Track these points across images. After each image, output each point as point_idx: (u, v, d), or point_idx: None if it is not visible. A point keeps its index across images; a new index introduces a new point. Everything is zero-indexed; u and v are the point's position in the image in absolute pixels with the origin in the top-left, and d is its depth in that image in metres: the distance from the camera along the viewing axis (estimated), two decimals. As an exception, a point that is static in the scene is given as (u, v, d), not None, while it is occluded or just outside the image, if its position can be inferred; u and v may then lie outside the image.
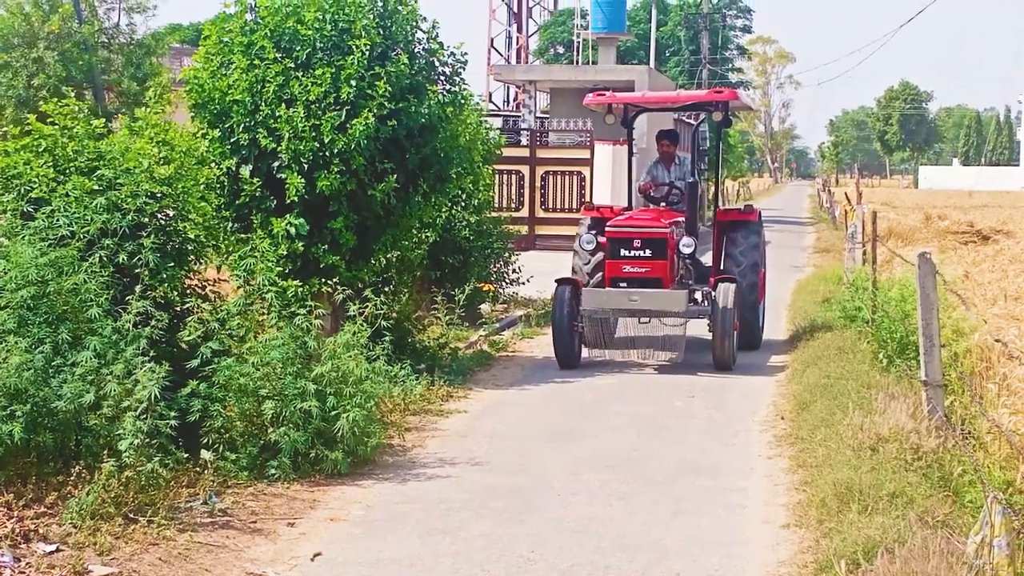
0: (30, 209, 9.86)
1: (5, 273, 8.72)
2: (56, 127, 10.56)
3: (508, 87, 44.62)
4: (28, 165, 10.17)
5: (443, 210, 16.31)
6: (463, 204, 17.85)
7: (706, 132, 49.47)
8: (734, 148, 74.29)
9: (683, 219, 15.40)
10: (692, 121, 46.39)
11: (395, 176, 12.60)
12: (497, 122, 31.71)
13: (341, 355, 9.89)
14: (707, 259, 16.54)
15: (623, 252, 14.54)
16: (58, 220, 9.57)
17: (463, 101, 14.19)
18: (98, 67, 32.25)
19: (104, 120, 11.28)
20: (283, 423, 9.29)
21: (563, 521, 8.42)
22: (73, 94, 11.49)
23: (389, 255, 14.13)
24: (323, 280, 12.32)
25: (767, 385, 13.52)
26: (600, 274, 15.21)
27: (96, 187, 9.94)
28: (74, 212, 9.69)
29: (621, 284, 14.48)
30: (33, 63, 31.03)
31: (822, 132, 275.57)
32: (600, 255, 15.29)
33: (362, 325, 10.66)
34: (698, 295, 15.02)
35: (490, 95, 44.23)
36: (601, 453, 10.43)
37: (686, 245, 14.85)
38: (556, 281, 14.92)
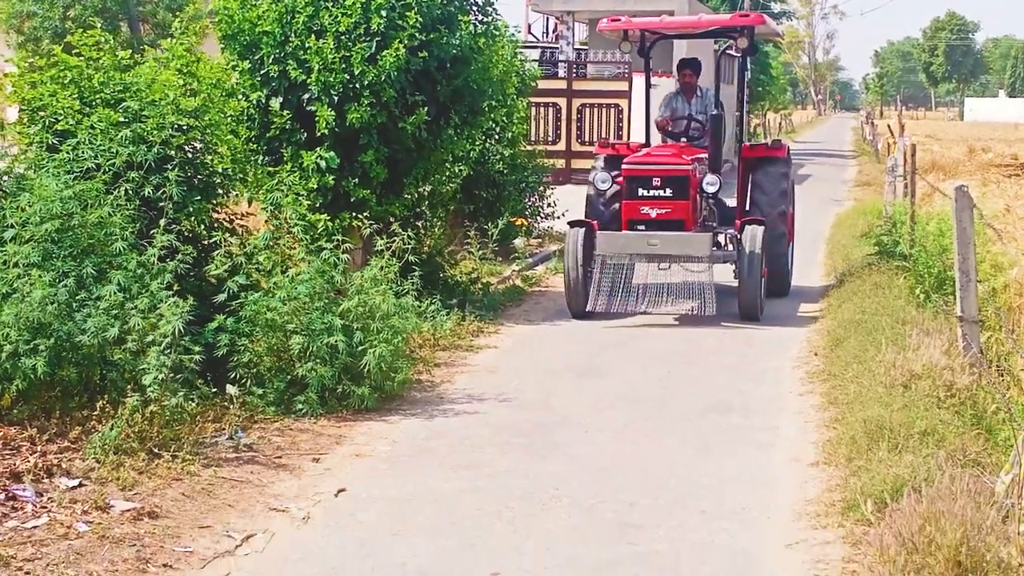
0: (55, 141, 9.81)
1: (30, 206, 8.67)
2: (82, 58, 10.47)
3: (547, 19, 44.15)
4: (54, 97, 10.08)
5: (476, 143, 16.15)
6: (497, 137, 17.69)
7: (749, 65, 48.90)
8: (777, 80, 73.39)
9: (706, 155, 14.29)
10: (734, 53, 45.59)
11: (426, 109, 12.45)
12: (534, 54, 31.37)
13: (368, 290, 9.82)
14: (732, 199, 15.49)
15: (641, 192, 13.43)
16: (83, 152, 9.52)
17: (496, 32, 14.01)
18: (133, -1, 32.16)
19: (136, 51, 11.19)
20: (310, 358, 9.24)
21: (588, 458, 8.36)
22: (105, 26, 11.37)
23: (421, 189, 14.02)
24: (354, 214, 12.23)
25: (800, 327, 13.26)
26: (617, 216, 13.98)
27: (122, 119, 9.87)
28: (99, 144, 9.62)
29: (639, 227, 13.38)
30: (69, -6, 30.96)
31: (867, 63, 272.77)
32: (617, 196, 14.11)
33: (391, 259, 10.58)
34: (722, 238, 14.20)
35: (529, 27, 43.71)
36: (629, 390, 10.35)
37: (710, 184, 13.76)
38: (568, 223, 14.09)
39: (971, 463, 7.44)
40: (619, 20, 15.33)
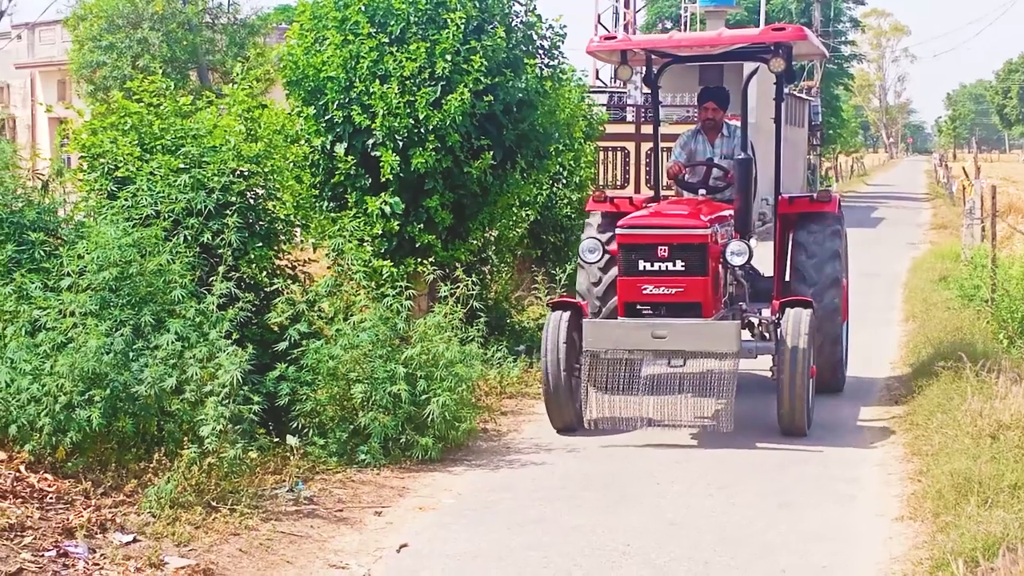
0: (114, 188, 9.69)
1: (88, 254, 8.51)
2: (143, 105, 10.37)
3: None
4: (114, 143, 9.99)
5: (543, 188, 15.90)
6: (564, 182, 17.42)
7: (818, 107, 48.21)
8: (848, 123, 72.85)
9: (731, 213, 11.02)
10: (805, 97, 44.85)
11: (491, 153, 12.24)
12: (602, 98, 31.18)
13: (432, 337, 9.58)
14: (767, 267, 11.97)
15: (643, 265, 9.95)
16: (142, 199, 9.39)
17: (562, 75, 13.80)
18: (202, 47, 32.37)
19: (198, 98, 11.08)
20: (373, 407, 9.01)
21: (660, 513, 8.01)
22: (174, 75, 11.29)
23: (487, 234, 13.80)
24: (418, 260, 12.01)
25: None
26: (615, 297, 10.64)
27: (182, 165, 9.74)
28: (159, 191, 9.49)
29: (642, 311, 10.05)
30: (138, 44, 31.25)
31: (939, 106, 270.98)
32: (614, 270, 10.79)
33: (455, 306, 10.34)
34: (754, 319, 11.02)
35: (597, 71, 43.58)
36: (702, 440, 9.98)
37: (736, 253, 10.26)
38: (550, 304, 10.73)
39: (1066, 520, 7.03)
40: (614, 37, 12.07)
